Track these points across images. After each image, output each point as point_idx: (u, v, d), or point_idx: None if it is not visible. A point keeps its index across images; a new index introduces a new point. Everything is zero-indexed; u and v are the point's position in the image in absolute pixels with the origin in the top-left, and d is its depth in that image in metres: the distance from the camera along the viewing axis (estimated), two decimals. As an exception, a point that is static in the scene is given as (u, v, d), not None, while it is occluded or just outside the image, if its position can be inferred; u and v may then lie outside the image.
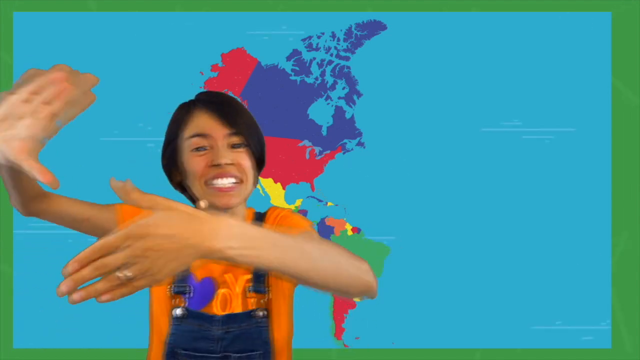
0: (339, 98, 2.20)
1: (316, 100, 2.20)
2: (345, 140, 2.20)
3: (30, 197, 1.02)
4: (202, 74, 2.18)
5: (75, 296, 0.66)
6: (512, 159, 2.18)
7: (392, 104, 2.19)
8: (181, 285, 1.16)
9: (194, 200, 1.21)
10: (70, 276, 0.66)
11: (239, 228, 0.72)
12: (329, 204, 2.20)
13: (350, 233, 2.18)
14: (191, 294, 1.16)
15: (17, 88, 0.76)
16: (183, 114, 1.18)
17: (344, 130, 2.20)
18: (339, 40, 2.20)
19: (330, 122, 2.21)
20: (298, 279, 0.79)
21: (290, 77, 2.20)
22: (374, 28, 2.20)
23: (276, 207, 1.24)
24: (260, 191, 2.19)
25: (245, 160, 1.15)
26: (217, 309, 1.15)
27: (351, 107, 2.20)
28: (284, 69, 2.20)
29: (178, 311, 1.14)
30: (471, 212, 2.17)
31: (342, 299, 0.90)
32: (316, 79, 2.20)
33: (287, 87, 2.20)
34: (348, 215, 2.20)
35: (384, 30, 2.20)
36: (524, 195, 2.18)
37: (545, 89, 2.18)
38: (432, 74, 2.18)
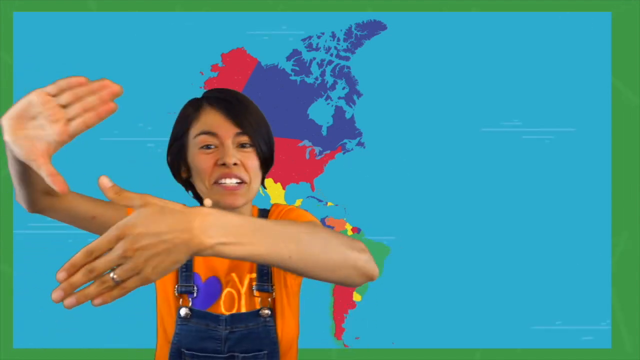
0: (339, 98, 2.20)
1: (316, 100, 2.20)
2: (345, 140, 2.20)
3: (39, 194, 1.00)
4: (202, 74, 2.18)
5: (68, 302, 0.66)
6: (512, 159, 2.18)
7: (392, 104, 2.19)
8: (186, 285, 1.16)
9: (199, 197, 1.21)
10: (63, 282, 0.66)
11: (229, 222, 0.71)
12: (329, 204, 2.20)
13: (350, 233, 2.18)
14: (196, 294, 1.16)
15: (57, 89, 0.75)
16: (192, 110, 1.17)
17: (344, 130, 2.20)
18: (339, 40, 2.20)
19: (330, 122, 2.20)
20: (293, 270, 0.78)
21: (290, 77, 2.20)
22: (374, 28, 2.20)
23: (279, 204, 1.23)
24: (260, 191, 2.18)
25: (251, 160, 1.14)
26: (222, 308, 1.15)
27: (351, 107, 2.20)
28: (284, 69, 2.20)
29: (183, 311, 1.13)
30: (471, 212, 2.17)
31: (343, 281, 0.87)
32: (316, 79, 2.20)
33: (287, 87, 2.20)
34: (348, 215, 2.20)
35: (384, 30, 2.20)
36: (524, 195, 2.18)
37: (545, 89, 2.18)
38: (432, 74, 2.18)
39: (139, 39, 2.15)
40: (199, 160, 1.14)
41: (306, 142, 2.21)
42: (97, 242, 0.66)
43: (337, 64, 2.20)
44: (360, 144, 2.20)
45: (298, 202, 2.20)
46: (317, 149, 2.20)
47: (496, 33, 2.18)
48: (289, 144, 2.19)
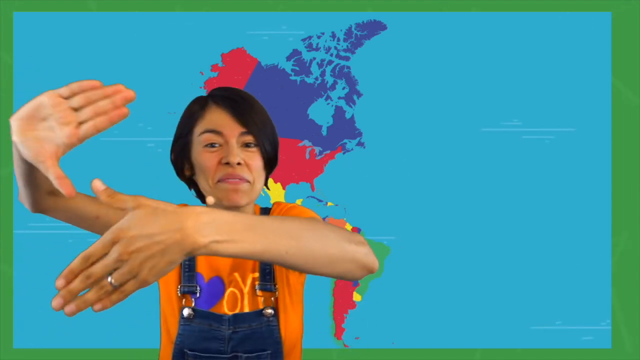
0: (339, 98, 2.20)
1: (316, 100, 2.20)
2: (345, 140, 2.20)
3: (44, 194, 1.00)
4: (202, 74, 2.18)
5: (68, 309, 0.66)
6: (512, 159, 2.18)
7: (392, 104, 2.19)
8: (189, 285, 1.15)
9: (202, 195, 1.20)
10: (61, 290, 0.66)
11: (222, 220, 0.70)
12: (329, 204, 2.20)
13: (350, 233, 2.18)
14: (199, 294, 1.15)
15: (70, 91, 0.75)
16: (197, 108, 1.17)
17: (344, 130, 2.20)
18: (339, 40, 2.20)
19: (330, 122, 2.20)
20: (292, 265, 0.77)
21: (290, 77, 2.20)
22: (374, 28, 2.20)
23: (281, 202, 1.23)
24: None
25: (255, 160, 1.14)
26: (225, 308, 1.14)
27: (351, 107, 2.20)
28: (284, 69, 2.20)
29: (186, 311, 1.13)
30: (471, 212, 2.17)
31: (344, 275, 0.86)
32: (316, 79, 2.20)
33: (287, 87, 2.20)
34: (348, 215, 2.20)
35: (384, 30, 2.20)
36: (524, 195, 2.18)
37: (545, 89, 2.18)
38: (432, 74, 2.18)
39: (139, 39, 2.15)
40: (203, 158, 1.13)
41: (306, 142, 2.21)
42: (93, 247, 0.66)
43: (337, 64, 2.20)
44: (360, 144, 2.20)
45: (298, 202, 2.20)
46: (317, 149, 2.20)
47: (496, 33, 2.18)
48: (289, 144, 2.19)
